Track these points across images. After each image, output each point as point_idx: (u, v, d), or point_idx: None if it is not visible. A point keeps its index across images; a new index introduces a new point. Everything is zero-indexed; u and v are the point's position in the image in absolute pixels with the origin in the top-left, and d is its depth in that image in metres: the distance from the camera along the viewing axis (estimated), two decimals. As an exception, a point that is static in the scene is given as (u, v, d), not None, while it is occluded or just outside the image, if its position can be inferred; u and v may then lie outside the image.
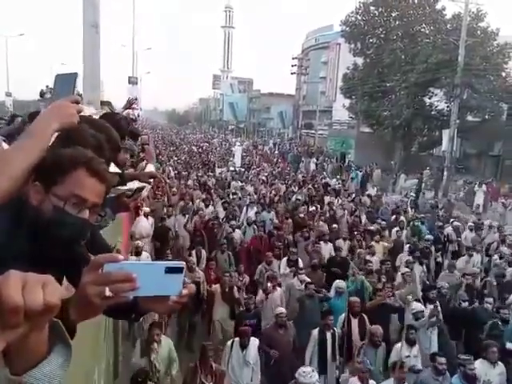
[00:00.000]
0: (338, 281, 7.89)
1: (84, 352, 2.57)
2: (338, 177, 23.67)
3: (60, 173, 1.36)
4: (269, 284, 7.66)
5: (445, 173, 26.16)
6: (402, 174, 27.74)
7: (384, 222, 12.97)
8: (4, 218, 1.31)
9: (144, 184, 3.27)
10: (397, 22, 32.85)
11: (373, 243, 10.49)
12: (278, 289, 7.88)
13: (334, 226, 11.91)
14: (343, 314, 7.14)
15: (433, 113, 31.49)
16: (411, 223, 12.86)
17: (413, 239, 11.27)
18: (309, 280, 8.05)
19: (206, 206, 13.27)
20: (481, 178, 26.53)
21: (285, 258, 9.21)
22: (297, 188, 17.87)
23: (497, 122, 29.49)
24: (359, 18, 33.45)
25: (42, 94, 10.95)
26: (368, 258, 9.36)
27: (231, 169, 23.05)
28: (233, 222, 11.45)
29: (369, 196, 17.68)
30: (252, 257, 10.02)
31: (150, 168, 4.57)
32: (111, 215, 3.11)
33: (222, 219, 12.28)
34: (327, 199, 15.58)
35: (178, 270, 1.09)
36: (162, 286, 1.08)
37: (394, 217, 13.85)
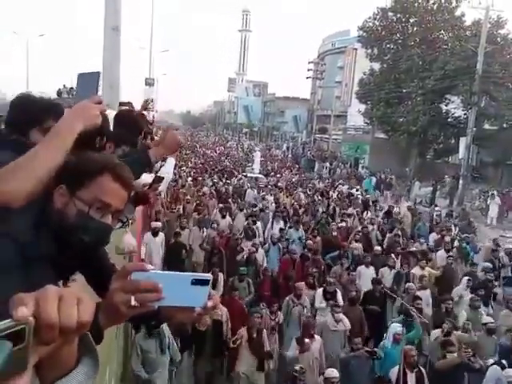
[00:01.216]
0: (395, 325, 6.06)
1: (100, 354, 1.86)
2: (358, 187, 21.54)
3: (87, 177, 1.28)
4: (306, 340, 5.66)
5: (460, 181, 24.63)
6: (416, 182, 26.50)
7: (428, 243, 10.64)
8: (27, 220, 1.23)
9: (164, 175, 3.15)
10: (415, 28, 31.58)
11: (418, 270, 8.31)
12: (317, 338, 5.96)
13: (377, 248, 9.62)
14: (396, 368, 5.50)
15: (449, 120, 30.18)
16: (458, 244, 10.48)
17: (470, 269, 8.89)
18: (348, 324, 6.43)
19: (223, 217, 11.39)
20: (497, 187, 24.96)
21: (320, 290, 7.31)
22: (319, 197, 15.63)
23: (514, 130, 27.78)
24: (377, 23, 32.17)
25: (59, 93, 10.90)
26: (418, 293, 7.29)
27: (250, 175, 20.97)
28: (256, 241, 9.59)
29: (409, 209, 15.08)
30: (279, 285, 8.10)
31: (171, 162, 4.25)
32: (131, 209, 2.91)
33: (240, 233, 10.35)
34: (352, 211, 13.44)
35: (205, 282, 1.02)
36: (188, 297, 1.02)
37: (433, 234, 11.57)
